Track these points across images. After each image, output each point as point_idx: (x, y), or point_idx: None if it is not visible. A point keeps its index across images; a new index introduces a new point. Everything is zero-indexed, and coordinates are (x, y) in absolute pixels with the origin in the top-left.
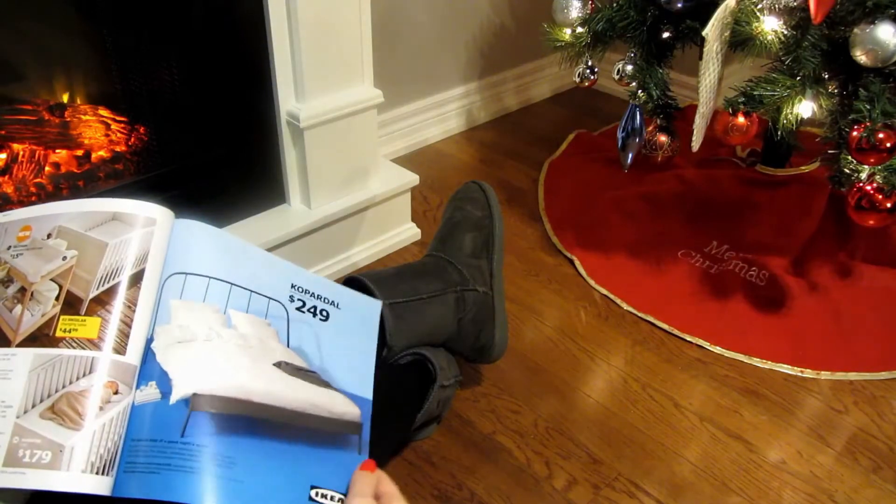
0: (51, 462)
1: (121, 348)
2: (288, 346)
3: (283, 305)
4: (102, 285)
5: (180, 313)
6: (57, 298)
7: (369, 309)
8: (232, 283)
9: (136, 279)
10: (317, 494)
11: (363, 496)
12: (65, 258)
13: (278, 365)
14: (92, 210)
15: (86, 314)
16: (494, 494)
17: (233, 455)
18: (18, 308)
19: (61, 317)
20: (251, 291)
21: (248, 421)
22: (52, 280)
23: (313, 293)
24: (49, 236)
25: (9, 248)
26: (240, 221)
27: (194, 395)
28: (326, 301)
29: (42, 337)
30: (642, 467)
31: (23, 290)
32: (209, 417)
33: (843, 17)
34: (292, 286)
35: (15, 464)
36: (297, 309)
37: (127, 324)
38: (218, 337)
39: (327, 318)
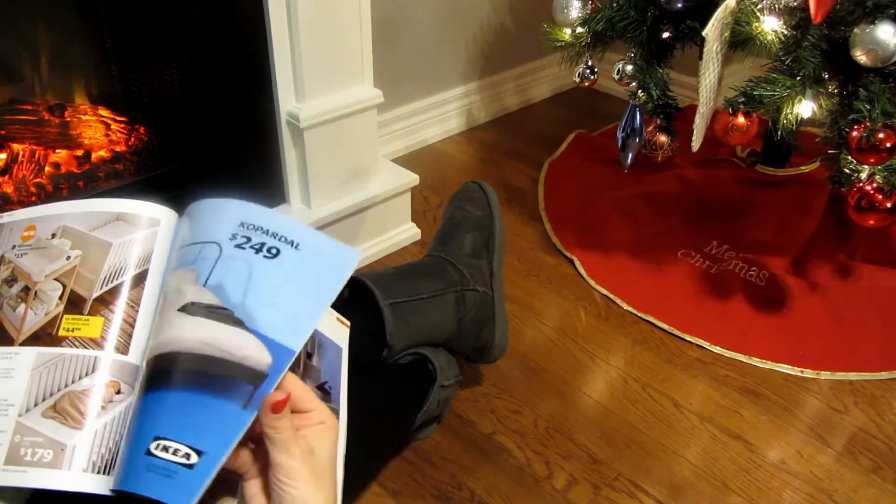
0: (52, 461)
1: (123, 348)
2: (206, 284)
3: (218, 244)
4: (106, 285)
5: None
6: (60, 298)
7: (341, 258)
8: (172, 249)
9: (140, 279)
10: (158, 447)
11: (288, 453)
12: (69, 258)
13: (184, 308)
14: (96, 210)
15: (89, 314)
16: (494, 494)
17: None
18: (22, 307)
19: (64, 316)
20: (186, 245)
21: (149, 379)
22: (55, 279)
23: (267, 230)
24: (53, 236)
25: (13, 247)
26: None
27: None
28: (282, 239)
29: (45, 336)
30: (642, 467)
31: (26, 289)
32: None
33: (843, 17)
34: (241, 224)
35: (16, 462)
36: (237, 246)
37: (130, 324)
38: (151, 314)
39: (276, 255)
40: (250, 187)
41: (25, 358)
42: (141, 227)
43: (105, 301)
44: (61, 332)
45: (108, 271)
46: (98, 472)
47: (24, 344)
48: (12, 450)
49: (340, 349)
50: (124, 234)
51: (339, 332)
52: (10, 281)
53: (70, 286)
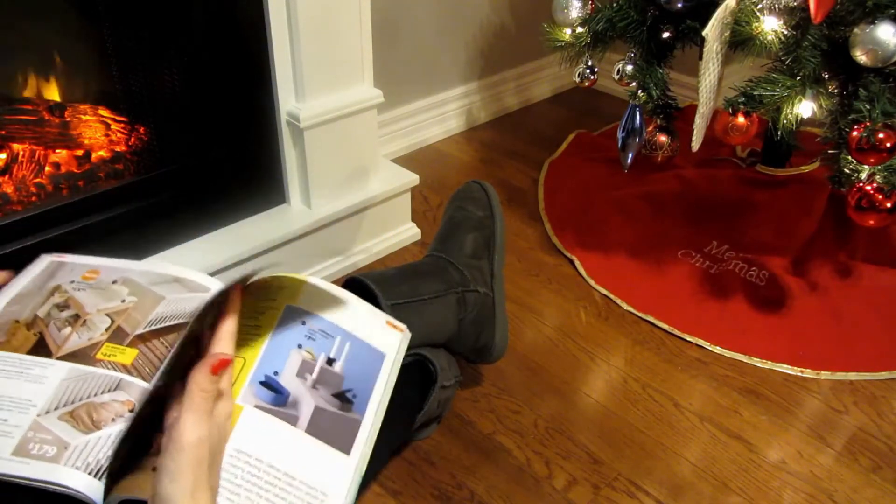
0: (54, 456)
1: (147, 376)
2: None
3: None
4: (150, 327)
5: None
6: (107, 329)
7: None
8: None
9: (179, 327)
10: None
11: (198, 424)
12: (123, 301)
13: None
14: (159, 272)
15: (128, 345)
16: (494, 494)
17: None
18: (68, 329)
19: (106, 343)
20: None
21: None
22: (106, 315)
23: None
24: (114, 282)
25: (72, 281)
26: (240, 221)
27: None
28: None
29: (82, 356)
30: (642, 467)
31: (76, 316)
32: None
33: (843, 17)
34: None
35: (23, 454)
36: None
37: (159, 358)
38: None
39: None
40: (250, 187)
41: (59, 369)
42: (192, 291)
43: (144, 338)
44: (99, 356)
45: (156, 316)
46: (90, 475)
47: (61, 359)
48: (22, 443)
49: (383, 356)
50: (177, 293)
51: (387, 337)
52: (63, 307)
53: (119, 323)
